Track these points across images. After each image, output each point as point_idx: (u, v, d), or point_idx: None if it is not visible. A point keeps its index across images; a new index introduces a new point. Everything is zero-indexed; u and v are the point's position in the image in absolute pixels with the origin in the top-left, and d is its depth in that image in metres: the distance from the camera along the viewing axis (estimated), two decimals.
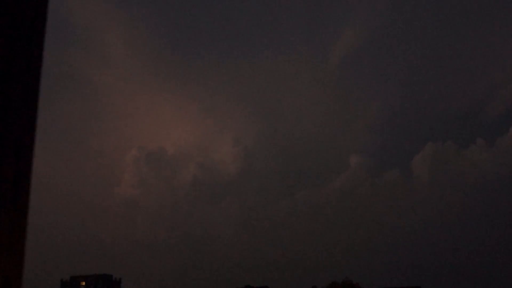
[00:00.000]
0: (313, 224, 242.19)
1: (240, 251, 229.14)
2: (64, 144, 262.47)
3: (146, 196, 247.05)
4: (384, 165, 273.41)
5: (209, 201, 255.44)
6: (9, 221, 2.20)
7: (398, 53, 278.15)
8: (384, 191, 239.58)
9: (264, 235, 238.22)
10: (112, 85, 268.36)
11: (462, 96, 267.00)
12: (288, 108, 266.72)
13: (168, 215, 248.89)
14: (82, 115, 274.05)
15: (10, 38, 2.28)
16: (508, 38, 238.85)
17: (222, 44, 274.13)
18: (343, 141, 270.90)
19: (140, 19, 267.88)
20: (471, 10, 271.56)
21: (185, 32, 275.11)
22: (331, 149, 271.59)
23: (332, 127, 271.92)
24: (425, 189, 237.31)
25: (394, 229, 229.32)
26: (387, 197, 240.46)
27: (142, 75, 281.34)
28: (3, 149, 2.16)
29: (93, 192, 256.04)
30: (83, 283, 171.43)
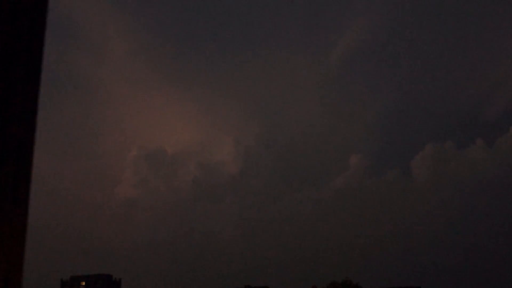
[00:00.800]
0: (313, 224, 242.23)
1: (240, 251, 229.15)
2: (64, 144, 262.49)
3: (146, 196, 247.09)
4: (384, 165, 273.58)
5: (209, 201, 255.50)
6: (9, 221, 2.20)
7: (399, 54, 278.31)
8: (384, 191, 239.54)
9: (264, 235, 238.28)
10: (113, 85, 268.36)
11: (462, 97, 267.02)
12: (288, 109, 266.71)
13: (168, 215, 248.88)
14: (82, 115, 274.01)
15: (10, 38, 2.28)
16: (508, 38, 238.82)
17: (222, 44, 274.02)
18: (343, 141, 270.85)
19: (140, 19, 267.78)
20: (470, 11, 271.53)
21: (185, 32, 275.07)
22: (331, 149, 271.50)
23: (332, 127, 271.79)
24: (425, 189, 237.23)
25: (394, 229, 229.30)
26: (387, 197, 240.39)
27: (142, 75, 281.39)
28: (3, 149, 2.17)
29: (93, 192, 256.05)
30: (83, 283, 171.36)
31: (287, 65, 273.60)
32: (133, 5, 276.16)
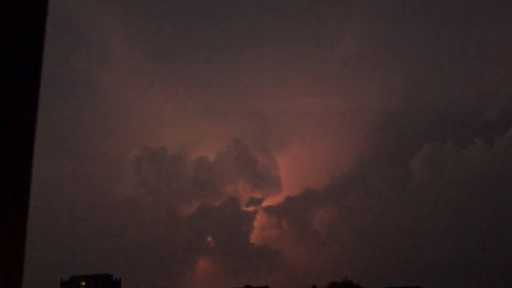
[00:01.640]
0: (313, 224, 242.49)
1: (240, 251, 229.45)
2: (64, 143, 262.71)
3: (146, 196, 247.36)
4: (384, 165, 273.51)
5: (210, 201, 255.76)
6: (9, 221, 2.20)
7: (399, 54, 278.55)
8: (384, 191, 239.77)
9: (265, 235, 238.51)
10: (113, 85, 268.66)
11: (462, 97, 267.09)
12: (288, 109, 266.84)
13: (168, 215, 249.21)
14: (83, 115, 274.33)
15: (10, 38, 2.28)
16: (508, 38, 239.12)
17: (223, 44, 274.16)
18: (343, 141, 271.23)
19: (142, 20, 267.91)
20: (470, 10, 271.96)
21: (187, 32, 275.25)
22: (332, 148, 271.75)
23: (332, 127, 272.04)
24: (424, 189, 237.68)
25: (394, 229, 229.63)
26: (386, 196, 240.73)
27: (143, 76, 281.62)
28: (3, 149, 2.17)
29: (93, 191, 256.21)
30: (83, 283, 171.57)
31: (288, 66, 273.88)
32: (134, 6, 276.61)
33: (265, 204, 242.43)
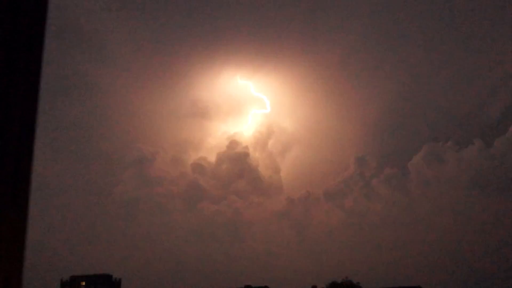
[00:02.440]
0: (313, 224, 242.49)
1: (240, 251, 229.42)
2: (64, 143, 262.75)
3: (147, 196, 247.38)
4: (384, 165, 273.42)
5: (210, 202, 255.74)
6: (9, 221, 2.20)
7: (399, 53, 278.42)
8: (384, 191, 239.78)
9: (265, 235, 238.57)
10: (114, 85, 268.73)
11: (462, 97, 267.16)
12: (289, 109, 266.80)
13: (169, 215, 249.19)
14: (83, 115, 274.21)
15: (10, 38, 2.28)
16: (508, 39, 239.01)
17: (225, 47, 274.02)
18: (344, 140, 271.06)
19: (143, 19, 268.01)
20: (470, 11, 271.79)
21: (188, 32, 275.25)
22: (332, 149, 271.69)
23: (332, 127, 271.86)
24: (424, 189, 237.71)
25: (394, 229, 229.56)
26: (387, 197, 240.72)
27: (144, 76, 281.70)
28: (3, 149, 2.17)
29: (93, 191, 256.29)
30: (83, 283, 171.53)
31: (288, 65, 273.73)
32: (135, 5, 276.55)
33: (265, 204, 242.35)
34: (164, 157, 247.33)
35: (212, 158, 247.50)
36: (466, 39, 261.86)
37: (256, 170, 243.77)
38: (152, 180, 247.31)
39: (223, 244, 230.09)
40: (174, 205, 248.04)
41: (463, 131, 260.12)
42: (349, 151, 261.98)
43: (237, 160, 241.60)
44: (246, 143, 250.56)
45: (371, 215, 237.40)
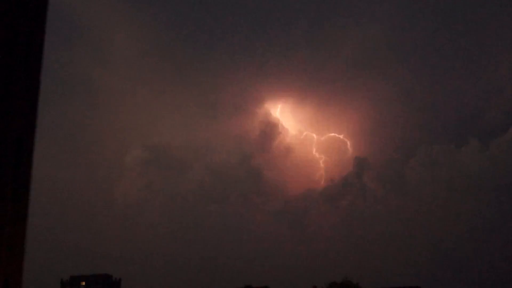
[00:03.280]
0: (313, 224, 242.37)
1: (241, 251, 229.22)
2: (64, 143, 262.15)
3: (147, 196, 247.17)
4: (384, 166, 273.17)
5: (212, 202, 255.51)
6: (9, 221, 2.18)
7: (399, 57, 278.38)
8: (384, 191, 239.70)
9: (266, 235, 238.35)
10: (116, 85, 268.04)
11: (461, 99, 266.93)
12: (292, 110, 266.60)
13: (169, 215, 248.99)
14: (85, 115, 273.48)
15: (10, 38, 2.27)
16: (507, 41, 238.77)
17: (226, 45, 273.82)
18: (345, 141, 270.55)
19: (145, 19, 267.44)
20: (469, 13, 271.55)
21: (189, 32, 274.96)
22: (332, 149, 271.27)
23: (334, 129, 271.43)
24: (423, 190, 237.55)
25: (394, 229, 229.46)
26: (386, 198, 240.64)
27: (146, 76, 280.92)
28: (3, 149, 2.15)
29: (94, 191, 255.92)
30: (83, 283, 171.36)
31: (292, 66, 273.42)
32: (137, 5, 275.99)
33: (266, 205, 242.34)
34: (166, 158, 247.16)
35: (216, 158, 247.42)
36: (466, 41, 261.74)
37: (258, 170, 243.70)
38: (153, 181, 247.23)
39: (224, 244, 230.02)
40: (174, 205, 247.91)
41: (460, 133, 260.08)
42: (349, 151, 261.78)
43: (241, 161, 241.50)
44: (250, 144, 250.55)
45: (370, 215, 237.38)
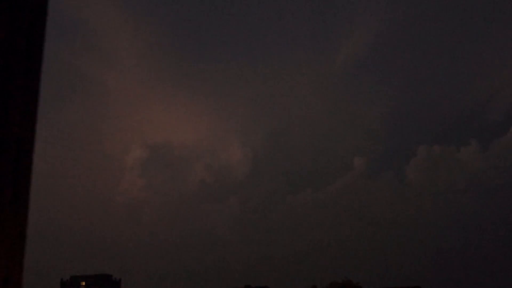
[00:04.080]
0: (313, 224, 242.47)
1: (240, 251, 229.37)
2: (65, 143, 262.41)
3: (148, 197, 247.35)
4: (384, 167, 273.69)
5: (213, 202, 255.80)
6: (9, 221, 2.20)
7: (399, 58, 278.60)
8: (385, 192, 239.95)
9: (265, 235, 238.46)
10: (117, 86, 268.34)
11: (461, 100, 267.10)
12: (294, 112, 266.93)
13: (169, 215, 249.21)
14: (85, 115, 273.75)
15: (10, 37, 2.28)
16: (507, 41, 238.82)
17: (228, 47, 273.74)
18: (347, 144, 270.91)
19: (147, 20, 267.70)
20: (469, 14, 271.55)
21: (191, 32, 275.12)
22: (334, 150, 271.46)
23: (336, 130, 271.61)
24: (423, 190, 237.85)
25: (394, 229, 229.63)
26: (387, 198, 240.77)
27: (149, 76, 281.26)
28: (3, 149, 2.16)
29: (94, 191, 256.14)
30: (83, 283, 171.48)
31: (293, 70, 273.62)
32: (139, 5, 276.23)
33: (266, 204, 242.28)
34: (167, 158, 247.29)
35: (216, 158, 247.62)
36: (466, 42, 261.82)
37: (258, 170, 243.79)
38: (153, 181, 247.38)
39: (224, 244, 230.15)
40: (175, 205, 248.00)
41: (460, 134, 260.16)
42: (349, 152, 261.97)
43: (240, 160, 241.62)
44: (251, 144, 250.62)
45: (370, 215, 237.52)
